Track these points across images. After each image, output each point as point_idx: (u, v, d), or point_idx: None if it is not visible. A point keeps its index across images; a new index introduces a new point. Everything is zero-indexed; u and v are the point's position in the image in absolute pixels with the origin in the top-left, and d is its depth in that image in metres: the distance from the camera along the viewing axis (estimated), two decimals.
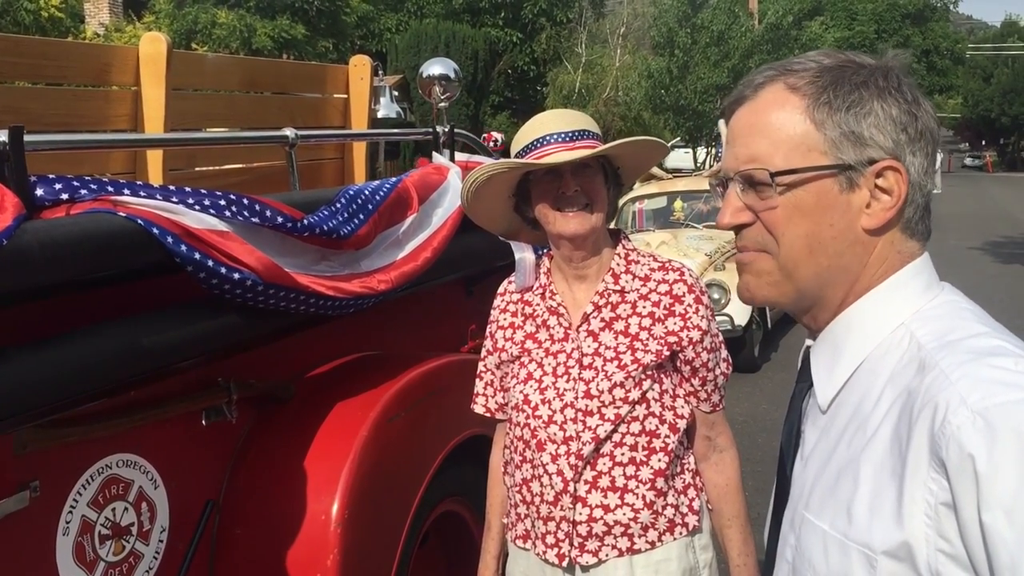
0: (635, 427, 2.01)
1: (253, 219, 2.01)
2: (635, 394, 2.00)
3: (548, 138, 2.00)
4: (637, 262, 2.10)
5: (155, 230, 1.79)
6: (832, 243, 1.06)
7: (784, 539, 1.14)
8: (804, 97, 1.06)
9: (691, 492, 2.09)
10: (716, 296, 8.07)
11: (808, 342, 1.17)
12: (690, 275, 2.09)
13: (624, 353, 2.02)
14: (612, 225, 2.14)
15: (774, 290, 1.11)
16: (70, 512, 1.84)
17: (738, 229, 1.12)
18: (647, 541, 2.02)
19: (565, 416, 2.02)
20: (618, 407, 1.99)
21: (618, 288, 2.06)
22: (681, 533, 2.05)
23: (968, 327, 1.01)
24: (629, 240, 2.16)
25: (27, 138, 1.75)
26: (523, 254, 2.18)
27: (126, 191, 1.85)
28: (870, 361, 1.06)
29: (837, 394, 1.09)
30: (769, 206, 1.07)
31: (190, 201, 1.90)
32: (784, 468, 1.19)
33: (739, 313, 8.09)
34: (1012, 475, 0.86)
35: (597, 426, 1.99)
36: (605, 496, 2.00)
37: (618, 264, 2.08)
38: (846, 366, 1.08)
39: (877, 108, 1.04)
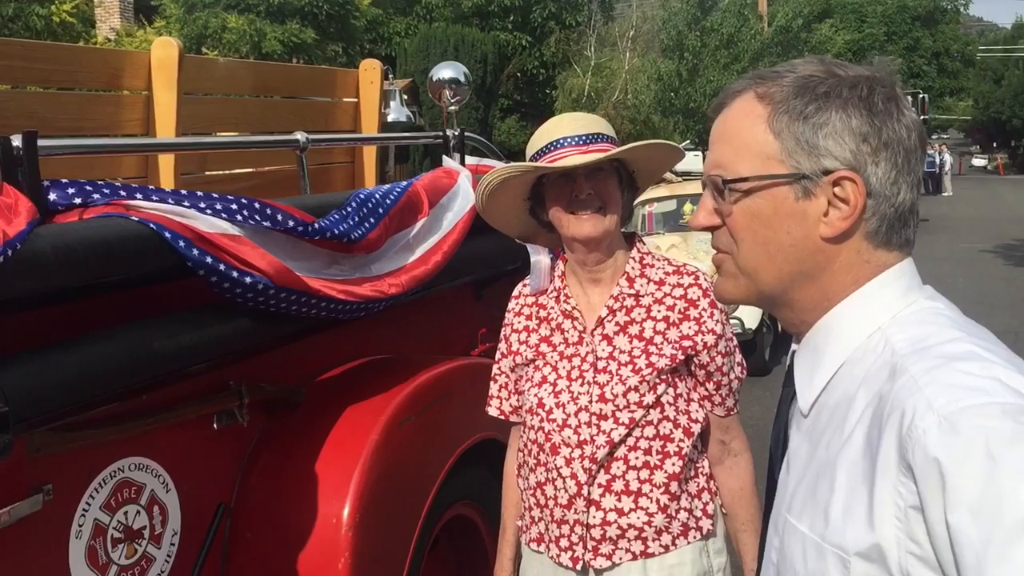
0: (649, 431, 2.01)
1: (264, 223, 2.01)
2: (649, 398, 2.00)
3: (562, 141, 1.99)
4: (652, 266, 2.10)
5: (167, 234, 1.80)
6: (791, 250, 1.08)
7: (769, 542, 1.16)
8: (767, 106, 1.08)
9: (705, 496, 2.09)
10: None
11: (794, 347, 1.19)
12: (705, 279, 2.09)
13: (639, 357, 2.01)
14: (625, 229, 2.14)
15: (739, 291, 1.14)
16: (83, 515, 1.84)
17: (711, 231, 1.16)
18: (661, 545, 2.01)
19: (579, 420, 2.01)
20: (632, 411, 1.99)
21: (633, 292, 2.06)
22: (695, 537, 2.05)
23: (942, 332, 1.02)
24: (644, 243, 2.16)
25: (40, 143, 1.75)
26: (538, 257, 2.18)
27: (138, 195, 1.85)
28: (848, 366, 1.07)
29: (817, 398, 1.11)
30: (730, 211, 1.11)
31: (202, 205, 1.91)
32: (773, 472, 1.22)
33: (749, 316, 8.07)
34: (976, 477, 0.87)
35: (611, 430, 1.99)
36: (619, 500, 2.00)
37: (633, 268, 2.08)
38: (825, 371, 1.10)
39: (835, 119, 1.05)
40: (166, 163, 3.21)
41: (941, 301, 1.09)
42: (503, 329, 2.23)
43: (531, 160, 2.04)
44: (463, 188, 2.82)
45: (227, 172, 3.65)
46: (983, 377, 0.93)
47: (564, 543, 2.04)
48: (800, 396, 1.14)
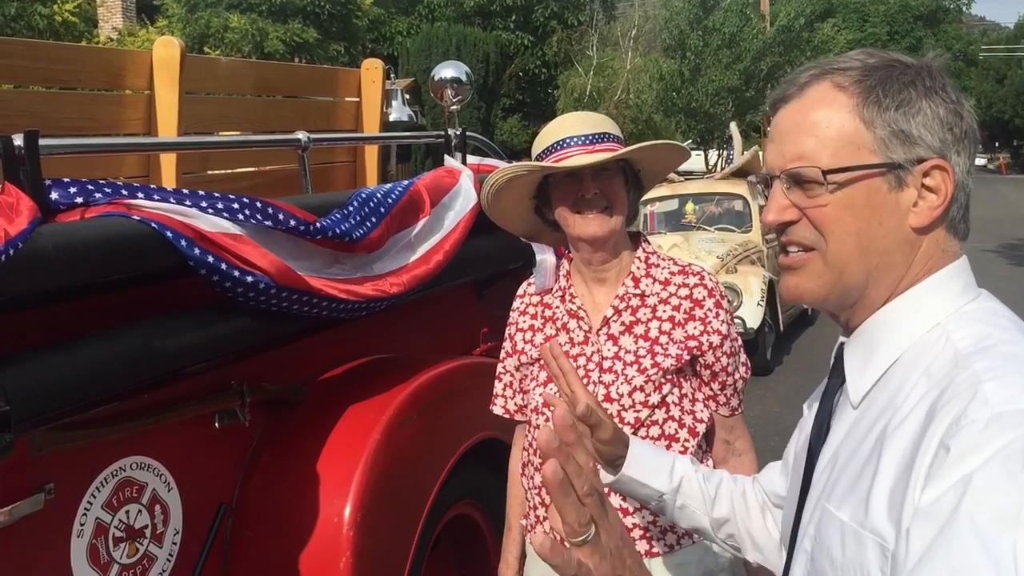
0: (654, 431, 2.00)
1: (266, 222, 2.01)
2: (655, 398, 1.99)
3: (568, 140, 1.99)
4: (657, 265, 2.09)
5: (169, 233, 1.80)
6: (882, 241, 1.06)
7: (804, 530, 1.15)
8: (852, 96, 1.07)
9: None
10: (728, 298, 8.05)
11: (841, 339, 1.17)
12: (710, 279, 2.09)
13: (644, 357, 2.01)
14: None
15: (823, 289, 1.11)
16: (84, 514, 1.84)
17: (783, 227, 1.12)
18: (666, 544, 2.01)
19: None
20: (638, 411, 1.99)
21: (638, 292, 2.06)
22: (699, 537, 2.04)
23: (1004, 334, 1.02)
24: (649, 243, 2.16)
25: (42, 142, 1.75)
26: (544, 256, 2.18)
27: (140, 195, 1.85)
28: (904, 359, 1.06)
29: (869, 391, 1.09)
30: (818, 204, 1.08)
31: (203, 204, 1.91)
32: (812, 461, 1.20)
33: (751, 316, 8.08)
34: (998, 479, 0.87)
35: None
36: (623, 499, 2.00)
37: (638, 267, 2.08)
38: (880, 363, 1.08)
39: (925, 107, 1.05)
40: (168, 162, 3.21)
41: (999, 303, 1.09)
42: (508, 328, 2.23)
43: (537, 159, 2.04)
44: (465, 187, 2.82)
45: (229, 171, 3.66)
46: None
47: None
48: (851, 387, 1.12)
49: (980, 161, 55.84)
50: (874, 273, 1.08)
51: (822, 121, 1.08)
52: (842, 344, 1.17)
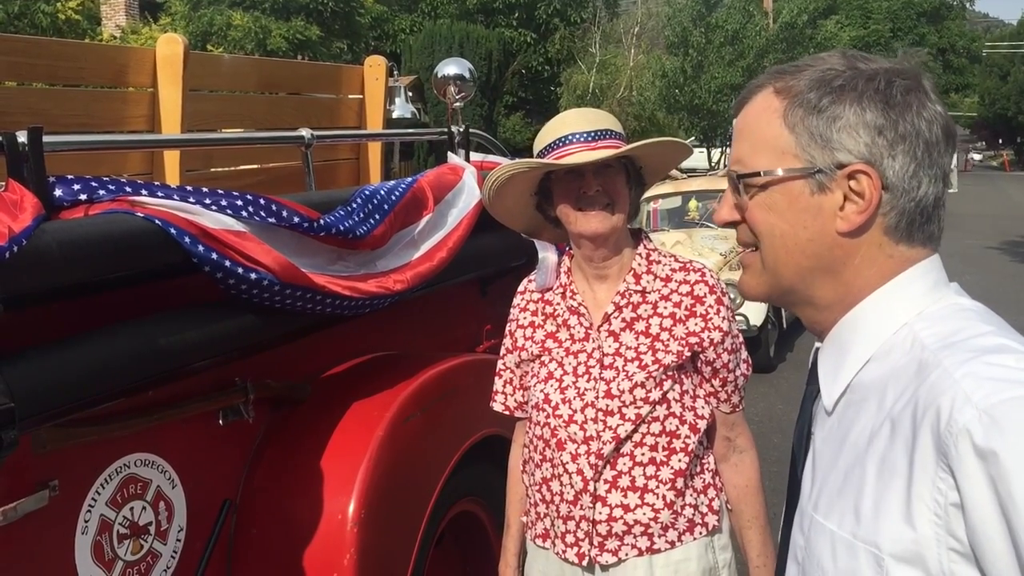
0: (655, 427, 2.00)
1: (270, 219, 2.01)
2: (656, 394, 1.99)
3: (570, 137, 1.99)
4: (658, 262, 2.09)
5: (172, 230, 1.80)
6: (808, 244, 1.08)
7: (794, 541, 1.15)
8: (783, 101, 1.08)
9: (711, 492, 2.08)
10: (731, 295, 8.04)
11: (817, 344, 1.18)
12: (711, 276, 2.09)
13: (645, 353, 2.01)
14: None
15: (761, 287, 1.14)
16: (88, 511, 1.84)
17: (734, 226, 1.16)
18: (667, 541, 2.01)
19: (586, 416, 2.01)
20: (639, 407, 1.99)
21: (639, 288, 2.06)
22: (701, 533, 2.05)
23: (972, 327, 1.01)
24: (650, 240, 2.16)
25: (45, 139, 1.75)
26: (546, 253, 2.18)
27: (144, 192, 1.85)
28: (873, 362, 1.06)
29: (842, 395, 1.10)
30: (747, 206, 1.11)
31: (207, 201, 1.91)
32: (795, 470, 1.20)
33: (754, 313, 8.07)
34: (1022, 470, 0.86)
35: (617, 426, 1.99)
36: (625, 496, 2.00)
37: (639, 264, 2.08)
38: (850, 368, 1.09)
39: (849, 112, 1.05)
40: (171, 159, 3.21)
41: (968, 299, 1.08)
42: (508, 324, 2.23)
43: (539, 156, 2.04)
44: (468, 184, 2.82)
45: (232, 168, 3.65)
46: (1019, 369, 0.92)
47: (570, 539, 2.04)
48: (825, 393, 1.13)
49: (976, 156, 55.68)
50: (808, 276, 1.09)
51: (754, 126, 1.11)
52: (817, 350, 1.18)
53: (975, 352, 0.96)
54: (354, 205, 2.34)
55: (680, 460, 2.01)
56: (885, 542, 0.96)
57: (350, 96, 4.14)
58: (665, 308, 2.04)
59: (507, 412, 2.24)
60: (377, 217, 2.37)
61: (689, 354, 2.03)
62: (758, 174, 1.09)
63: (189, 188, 1.93)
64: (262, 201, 2.01)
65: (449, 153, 3.11)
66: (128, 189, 1.85)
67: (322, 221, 2.15)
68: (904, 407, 0.98)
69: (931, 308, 1.05)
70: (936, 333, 1.01)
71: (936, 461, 0.92)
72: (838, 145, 1.05)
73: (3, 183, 1.69)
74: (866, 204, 1.04)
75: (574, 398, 2.03)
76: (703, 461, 2.09)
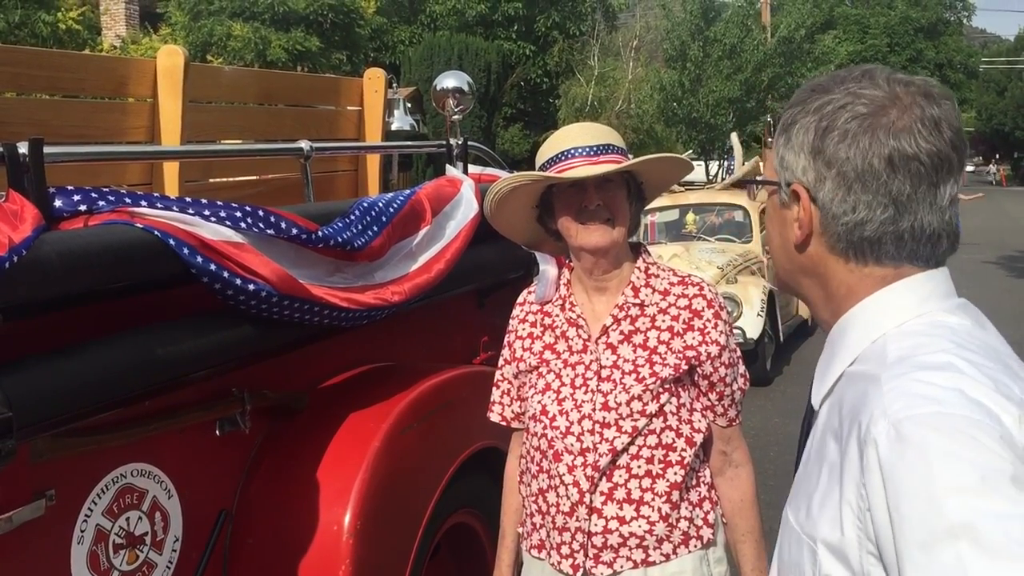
0: (652, 440, 2.01)
1: (268, 231, 2.02)
2: (653, 407, 2.00)
3: (573, 151, 2.01)
4: (657, 276, 2.11)
5: (172, 241, 1.81)
6: (780, 250, 1.18)
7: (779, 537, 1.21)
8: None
9: (706, 505, 2.09)
10: (728, 309, 8.04)
11: None
12: (710, 290, 2.10)
13: (643, 366, 2.02)
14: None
15: (774, 279, 1.26)
16: (85, 521, 1.85)
17: None
18: (662, 553, 2.01)
19: (582, 427, 2.02)
20: (635, 420, 1.99)
21: (638, 301, 2.07)
22: (696, 546, 2.05)
23: (933, 344, 1.02)
24: (650, 254, 2.17)
25: (46, 150, 1.76)
26: (546, 266, 2.19)
27: (143, 203, 1.86)
28: (853, 367, 1.10)
29: (826, 397, 1.14)
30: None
31: (206, 213, 1.92)
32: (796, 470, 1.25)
33: (751, 326, 8.08)
34: (914, 483, 0.90)
35: (614, 438, 1.99)
36: (621, 508, 2.00)
37: (638, 277, 2.09)
38: (835, 370, 1.13)
39: (796, 133, 1.11)
40: (171, 170, 3.22)
41: (960, 317, 1.07)
42: (507, 335, 2.23)
43: (541, 169, 2.06)
44: (466, 197, 2.83)
45: (231, 180, 3.67)
46: (943, 387, 0.94)
47: (565, 550, 2.05)
48: (813, 393, 1.17)
49: (968, 167, 55.69)
50: (793, 276, 1.19)
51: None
52: None
53: (913, 368, 0.98)
54: (352, 217, 2.35)
55: (676, 473, 2.02)
56: (819, 536, 1.01)
57: (349, 108, 4.16)
58: (663, 321, 2.05)
59: (504, 423, 2.25)
60: (375, 229, 2.38)
61: (686, 368, 2.03)
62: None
63: (188, 200, 1.94)
64: (261, 213, 2.02)
65: (447, 165, 3.12)
66: (128, 200, 1.85)
67: (320, 233, 2.16)
68: (847, 414, 1.03)
69: (912, 322, 1.07)
70: (901, 346, 1.04)
71: (860, 468, 0.96)
72: (787, 164, 1.13)
73: (3, 193, 1.70)
74: (801, 222, 1.12)
75: (571, 410, 2.04)
76: (699, 474, 2.10)
